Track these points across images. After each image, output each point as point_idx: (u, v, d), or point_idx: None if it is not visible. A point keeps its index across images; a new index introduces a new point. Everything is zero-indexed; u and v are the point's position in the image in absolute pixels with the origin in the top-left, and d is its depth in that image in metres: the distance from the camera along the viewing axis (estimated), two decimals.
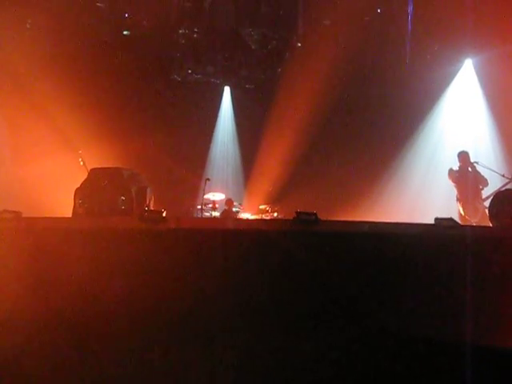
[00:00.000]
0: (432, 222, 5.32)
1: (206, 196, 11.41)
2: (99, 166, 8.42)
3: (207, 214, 11.64)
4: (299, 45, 13.14)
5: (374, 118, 12.13)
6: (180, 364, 4.57)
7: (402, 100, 11.94)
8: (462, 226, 6.47)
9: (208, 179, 11.36)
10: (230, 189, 12.72)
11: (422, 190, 11.62)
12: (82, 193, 7.63)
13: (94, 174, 8.08)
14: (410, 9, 12.23)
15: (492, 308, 4.62)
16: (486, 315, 4.59)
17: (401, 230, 5.32)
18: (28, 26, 11.65)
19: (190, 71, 13.48)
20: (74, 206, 7.72)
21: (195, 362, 4.56)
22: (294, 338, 4.60)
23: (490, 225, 6.84)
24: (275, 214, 11.70)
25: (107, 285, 4.99)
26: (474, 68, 12.39)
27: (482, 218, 9.46)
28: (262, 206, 11.92)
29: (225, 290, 4.89)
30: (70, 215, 7.81)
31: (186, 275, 5.02)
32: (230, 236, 5.25)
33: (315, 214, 5.32)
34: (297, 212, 5.31)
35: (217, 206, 11.71)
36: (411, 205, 11.19)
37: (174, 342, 4.67)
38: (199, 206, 11.59)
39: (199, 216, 11.44)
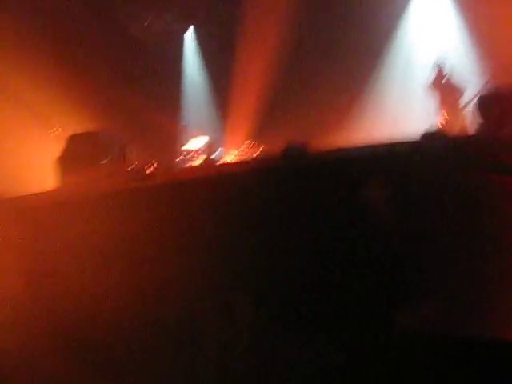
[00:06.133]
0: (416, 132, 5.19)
1: (186, 145, 11.22)
2: (74, 133, 8.16)
3: (188, 164, 11.47)
4: None
5: (343, 36, 11.85)
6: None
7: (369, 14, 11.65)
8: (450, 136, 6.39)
9: (184, 125, 11.12)
10: (209, 131, 12.49)
11: (401, 103, 11.51)
12: (61, 163, 7.42)
13: (70, 141, 7.84)
14: None
15: None
16: None
17: (391, 150, 5.22)
18: None
19: (148, 22, 13.02)
20: (55, 178, 7.52)
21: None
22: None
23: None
24: (260, 149, 11.52)
25: (106, 251, 4.91)
26: None
27: (461, 126, 9.46)
28: (245, 143, 11.75)
29: (216, 243, 4.81)
30: (51, 188, 7.64)
31: (179, 229, 4.94)
32: (220, 183, 5.15)
33: (304, 147, 5.21)
34: (286, 144, 5.18)
35: (198, 153, 11.53)
36: (394, 118, 11.13)
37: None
38: (180, 156, 11.42)
39: (182, 167, 11.28)
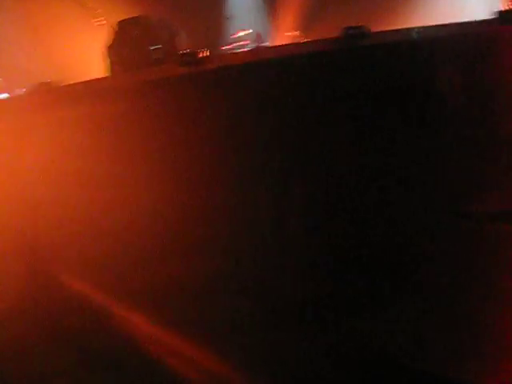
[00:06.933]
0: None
1: (233, 35, 10.94)
2: (125, 18, 7.96)
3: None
4: None
5: None
6: None
7: None
8: None
9: (229, 17, 10.76)
10: (256, 23, 12.07)
11: None
12: (113, 49, 7.32)
13: (119, 27, 7.68)
14: None
15: None
16: None
17: (455, 31, 4.95)
18: None
19: None
20: (108, 65, 7.46)
21: None
22: None
23: None
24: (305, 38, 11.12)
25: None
26: None
27: None
28: (292, 33, 11.34)
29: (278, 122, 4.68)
30: (104, 74, 7.59)
31: (235, 113, 4.82)
32: (274, 65, 4.98)
33: (364, 27, 4.99)
34: (344, 27, 4.97)
35: (246, 43, 11.24)
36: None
37: None
38: (227, 47, 11.14)
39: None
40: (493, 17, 5.06)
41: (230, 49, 11.01)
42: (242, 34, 11.28)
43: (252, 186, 4.49)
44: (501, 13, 4.92)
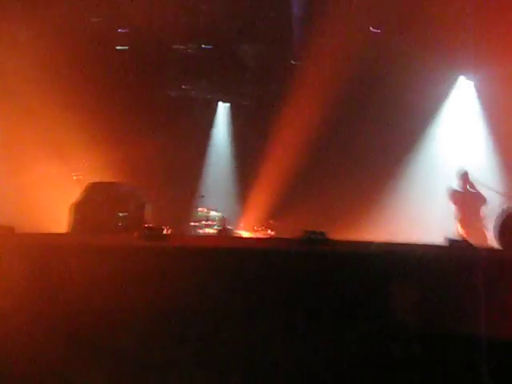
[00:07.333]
0: (433, 240, 5.19)
1: (199, 214, 11.28)
2: (96, 180, 8.19)
3: (200, 231, 11.48)
4: (293, 62, 13.03)
5: (371, 137, 12.03)
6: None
7: (398, 117, 11.85)
8: (476, 247, 6.33)
9: (203, 196, 11.22)
10: (225, 206, 12.52)
11: (422, 208, 11.48)
12: (79, 208, 7.39)
13: (91, 188, 7.85)
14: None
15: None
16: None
17: (414, 251, 5.14)
18: (23, 29, 11.42)
19: (184, 87, 13.37)
20: (70, 222, 7.48)
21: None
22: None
23: (490, 245, 6.75)
24: (269, 231, 11.56)
25: (106, 304, 4.78)
26: (472, 86, 12.40)
27: (480, 238, 9.38)
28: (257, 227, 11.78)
29: (230, 314, 4.67)
30: (64, 231, 7.58)
31: (187, 295, 4.81)
32: (236, 256, 5.04)
33: (323, 233, 5.15)
34: (305, 231, 5.13)
35: (211, 223, 11.55)
36: (411, 222, 11.06)
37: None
38: (192, 223, 11.43)
39: (193, 233, 11.27)
40: (444, 242, 5.31)
41: (195, 226, 11.27)
42: (211, 213, 11.63)
43: None
44: (450, 240, 5.19)
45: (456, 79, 12.56)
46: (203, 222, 11.50)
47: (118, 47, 12.55)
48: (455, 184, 10.16)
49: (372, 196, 11.82)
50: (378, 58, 12.08)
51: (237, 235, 11.33)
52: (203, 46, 12.93)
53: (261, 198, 12.14)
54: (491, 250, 6.91)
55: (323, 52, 11.68)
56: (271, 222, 11.60)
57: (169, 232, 5.70)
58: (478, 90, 12.33)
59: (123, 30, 12.49)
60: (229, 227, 11.71)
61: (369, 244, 5.28)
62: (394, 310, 4.35)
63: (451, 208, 10.15)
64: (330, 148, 12.34)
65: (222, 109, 13.70)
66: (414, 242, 5.84)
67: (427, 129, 12.37)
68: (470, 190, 9.94)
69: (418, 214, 11.34)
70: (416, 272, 4.66)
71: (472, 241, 9.27)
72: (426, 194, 11.62)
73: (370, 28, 12.45)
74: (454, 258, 4.86)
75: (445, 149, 12.21)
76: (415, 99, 11.70)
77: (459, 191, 10.04)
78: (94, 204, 7.47)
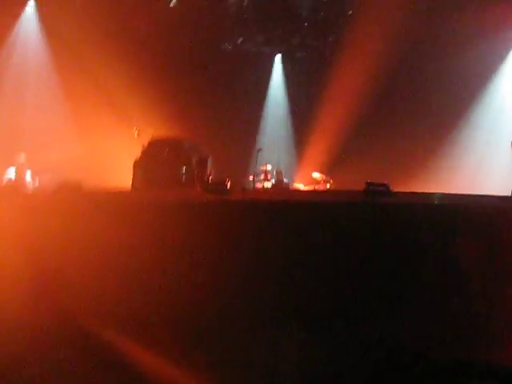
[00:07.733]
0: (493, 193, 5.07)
1: (257, 167, 11.32)
2: (158, 138, 8.26)
3: (259, 185, 11.53)
4: (350, 12, 12.70)
5: (432, 88, 11.71)
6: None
7: (460, 70, 11.47)
8: None
9: (260, 149, 11.20)
10: (281, 159, 12.54)
11: (483, 161, 11.21)
12: (142, 165, 7.52)
13: (154, 144, 7.94)
14: None
15: None
16: None
17: (477, 202, 5.09)
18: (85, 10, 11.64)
19: (240, 40, 13.27)
20: (134, 178, 7.62)
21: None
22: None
23: None
24: (328, 185, 11.50)
25: (173, 259, 4.91)
26: None
27: None
28: (315, 175, 11.70)
29: (295, 264, 4.75)
30: (129, 186, 7.73)
31: (250, 247, 4.90)
32: (299, 208, 5.10)
33: (387, 185, 5.16)
34: (368, 183, 5.15)
35: (269, 176, 11.61)
36: (471, 176, 10.84)
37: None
38: (251, 177, 11.49)
39: (251, 187, 11.32)
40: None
41: (254, 180, 11.34)
42: (267, 167, 11.66)
43: None
44: None
45: None
46: (261, 176, 11.56)
47: (171, 4, 12.52)
48: None
49: (434, 147, 11.58)
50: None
51: (294, 188, 11.35)
52: None
53: (318, 150, 12.08)
54: None
55: (381, 4, 11.32)
56: (321, 176, 11.55)
57: (230, 185, 5.76)
58: None
59: None
60: (285, 180, 11.74)
61: (432, 195, 5.26)
62: (457, 263, 4.35)
63: None
64: (391, 98, 12.07)
65: (279, 61, 13.57)
66: (476, 193, 5.78)
67: (491, 81, 11.91)
68: None
69: (480, 165, 11.08)
70: (480, 224, 4.63)
71: None
72: (488, 147, 11.32)
73: None
74: None
75: (509, 101, 11.80)
76: (479, 52, 11.28)
77: None
78: (156, 160, 7.58)
